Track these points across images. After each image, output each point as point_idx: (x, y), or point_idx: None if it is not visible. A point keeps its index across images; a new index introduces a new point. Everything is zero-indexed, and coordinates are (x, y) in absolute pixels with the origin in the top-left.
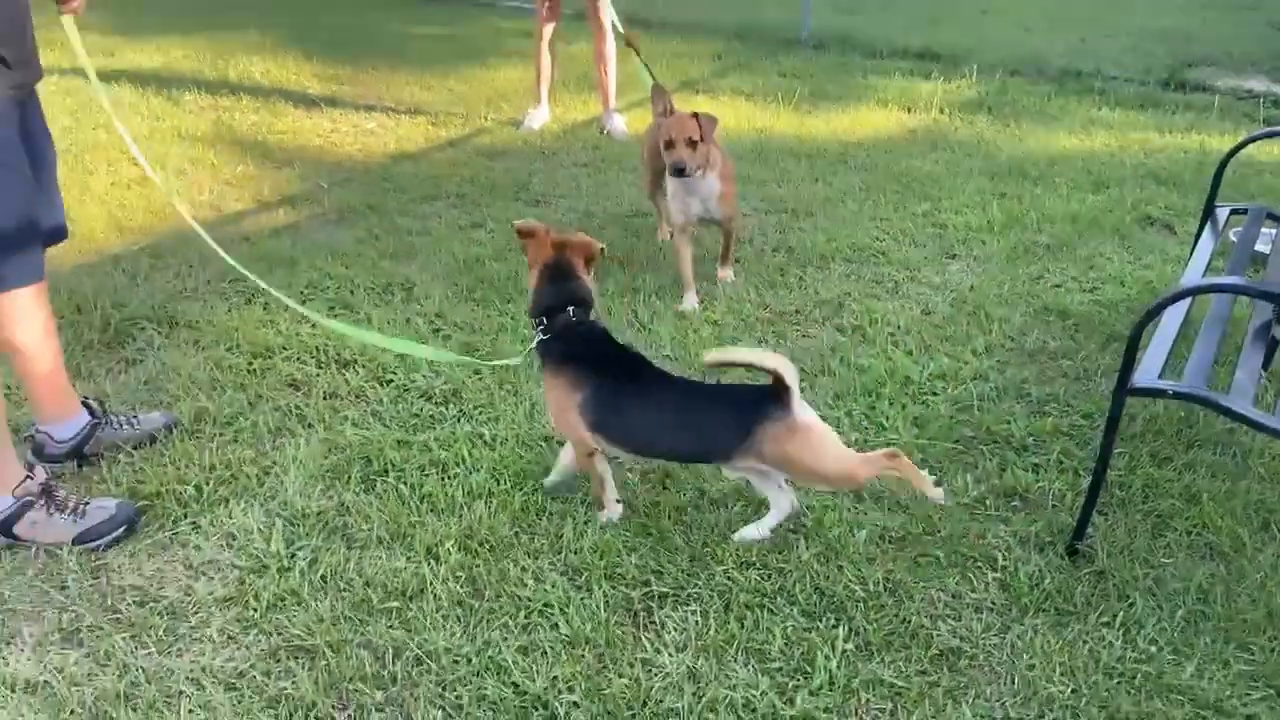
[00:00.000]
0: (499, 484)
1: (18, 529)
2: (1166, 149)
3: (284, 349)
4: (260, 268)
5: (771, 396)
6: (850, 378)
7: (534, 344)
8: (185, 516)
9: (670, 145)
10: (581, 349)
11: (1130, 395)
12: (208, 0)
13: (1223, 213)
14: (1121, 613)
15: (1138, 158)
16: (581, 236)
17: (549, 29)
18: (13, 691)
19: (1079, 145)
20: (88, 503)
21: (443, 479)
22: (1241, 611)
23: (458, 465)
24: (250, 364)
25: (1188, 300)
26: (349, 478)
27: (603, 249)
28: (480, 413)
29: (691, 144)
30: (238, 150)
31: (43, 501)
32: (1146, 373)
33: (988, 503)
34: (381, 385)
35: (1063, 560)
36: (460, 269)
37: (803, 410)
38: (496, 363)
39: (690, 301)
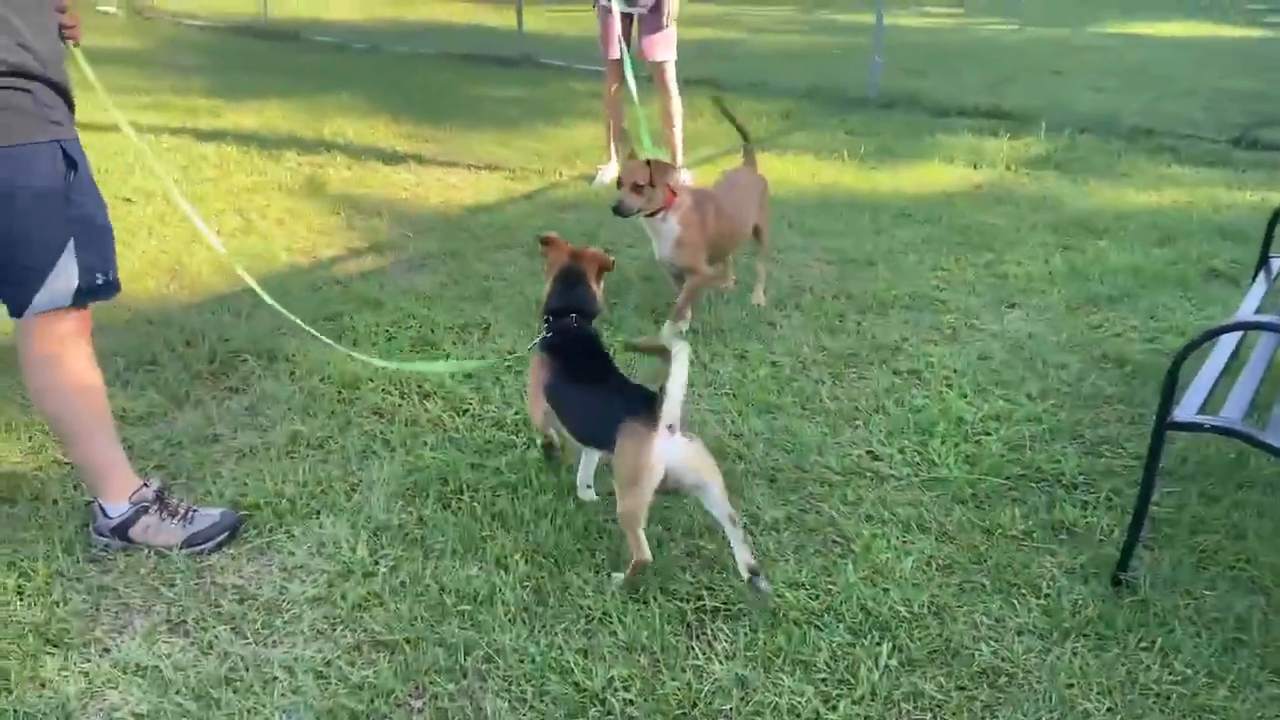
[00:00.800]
0: (563, 505)
1: (132, 532)
2: (1235, 205)
3: (370, 381)
4: (351, 307)
5: (651, 402)
6: (904, 417)
7: (537, 340)
8: (281, 525)
9: (619, 185)
10: (563, 344)
11: (1170, 429)
12: (303, 65)
13: (1276, 262)
14: (1161, 638)
15: (1206, 214)
16: (595, 250)
17: (616, 87)
18: (124, 674)
19: (1147, 201)
20: (195, 510)
21: (512, 499)
22: (1279, 639)
23: (526, 487)
24: (340, 393)
25: (1233, 341)
26: (427, 495)
27: (613, 261)
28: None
29: (636, 188)
30: (331, 203)
31: (156, 508)
32: (1187, 408)
33: (1035, 535)
34: (458, 415)
35: (1106, 590)
36: (532, 310)
37: (664, 423)
38: (509, 359)
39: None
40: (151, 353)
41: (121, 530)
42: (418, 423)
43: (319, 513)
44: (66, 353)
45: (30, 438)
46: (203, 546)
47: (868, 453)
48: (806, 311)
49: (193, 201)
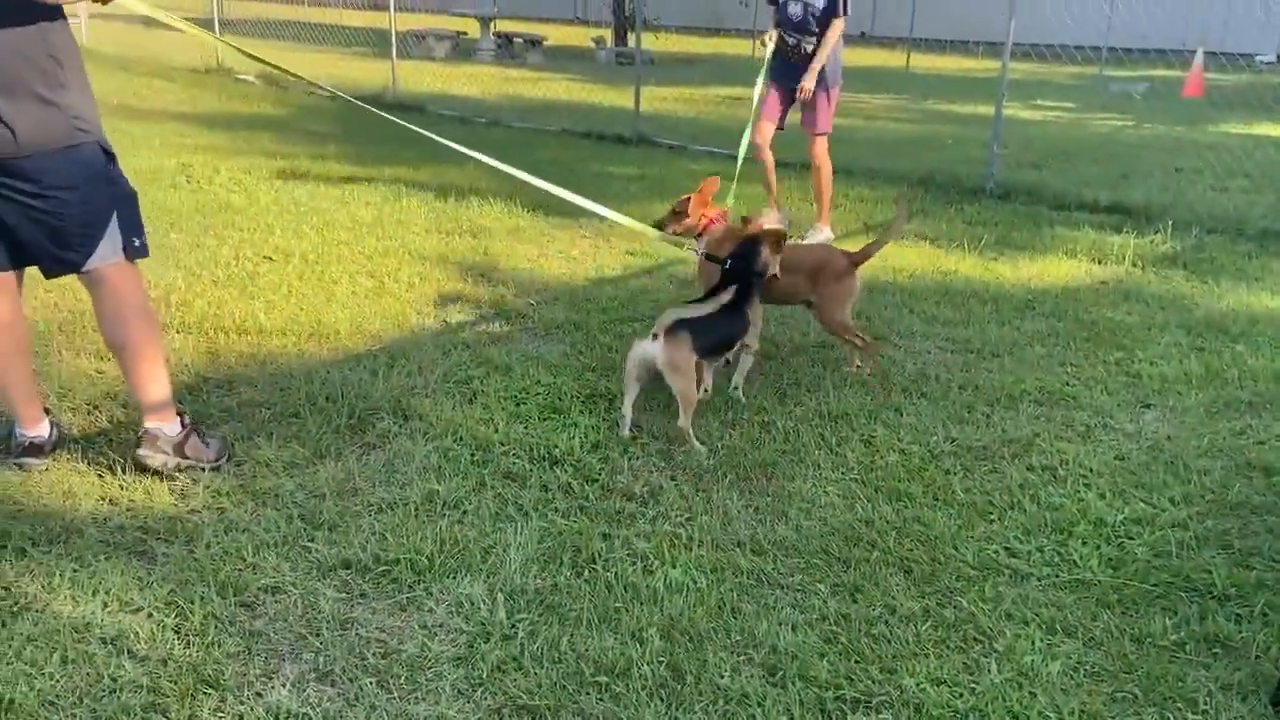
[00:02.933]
0: (695, 582)
1: (188, 449)
2: None
3: (502, 445)
4: (481, 372)
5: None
6: (1041, 515)
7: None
8: (420, 582)
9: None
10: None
11: None
12: (425, 138)
13: None
14: None
15: None
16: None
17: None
18: (276, 719)
19: None
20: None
21: (645, 571)
22: None
23: (657, 559)
24: (473, 455)
25: None
26: (561, 562)
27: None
28: (677, 515)
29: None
30: (459, 269)
31: (195, 431)
32: None
33: (1188, 648)
34: (588, 483)
35: (1266, 710)
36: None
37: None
38: (666, 240)
39: None
40: (295, 406)
41: (179, 448)
42: (549, 489)
43: (457, 572)
44: (130, 292)
45: (181, 486)
46: (219, 462)
47: (1004, 548)
48: (933, 400)
49: (328, 263)
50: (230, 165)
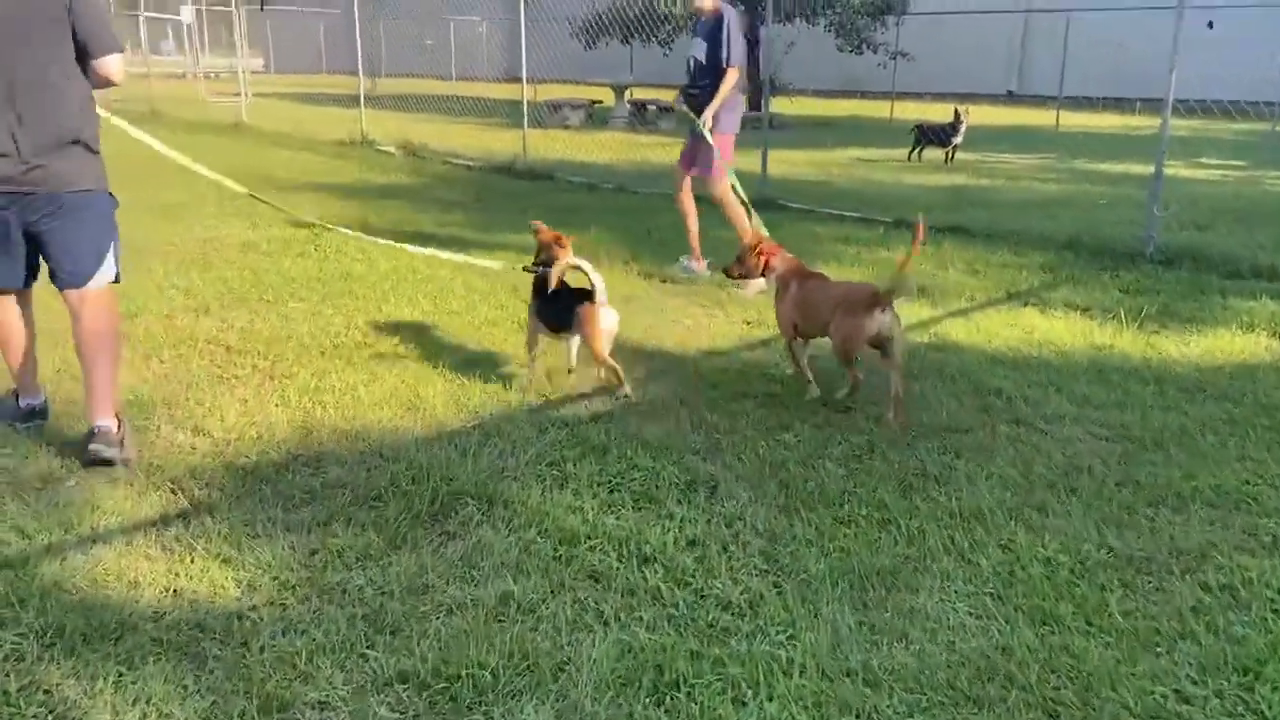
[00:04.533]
0: (797, 717)
1: (125, 442)
2: None
3: (589, 538)
4: (575, 453)
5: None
6: (1220, 648)
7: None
8: (480, 703)
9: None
10: None
11: None
12: (555, 203)
13: None
14: None
15: None
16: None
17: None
18: None
19: None
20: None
21: (735, 702)
22: None
23: (751, 688)
24: (556, 550)
25: None
26: (639, 686)
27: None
28: (778, 631)
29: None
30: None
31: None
32: None
33: None
34: (679, 587)
35: None
36: (765, 472)
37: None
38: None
39: None
40: (378, 488)
41: (121, 442)
42: (635, 593)
43: (522, 693)
44: (112, 311)
45: (248, 578)
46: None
47: (1175, 691)
48: (1084, 498)
49: (438, 332)
50: (358, 233)
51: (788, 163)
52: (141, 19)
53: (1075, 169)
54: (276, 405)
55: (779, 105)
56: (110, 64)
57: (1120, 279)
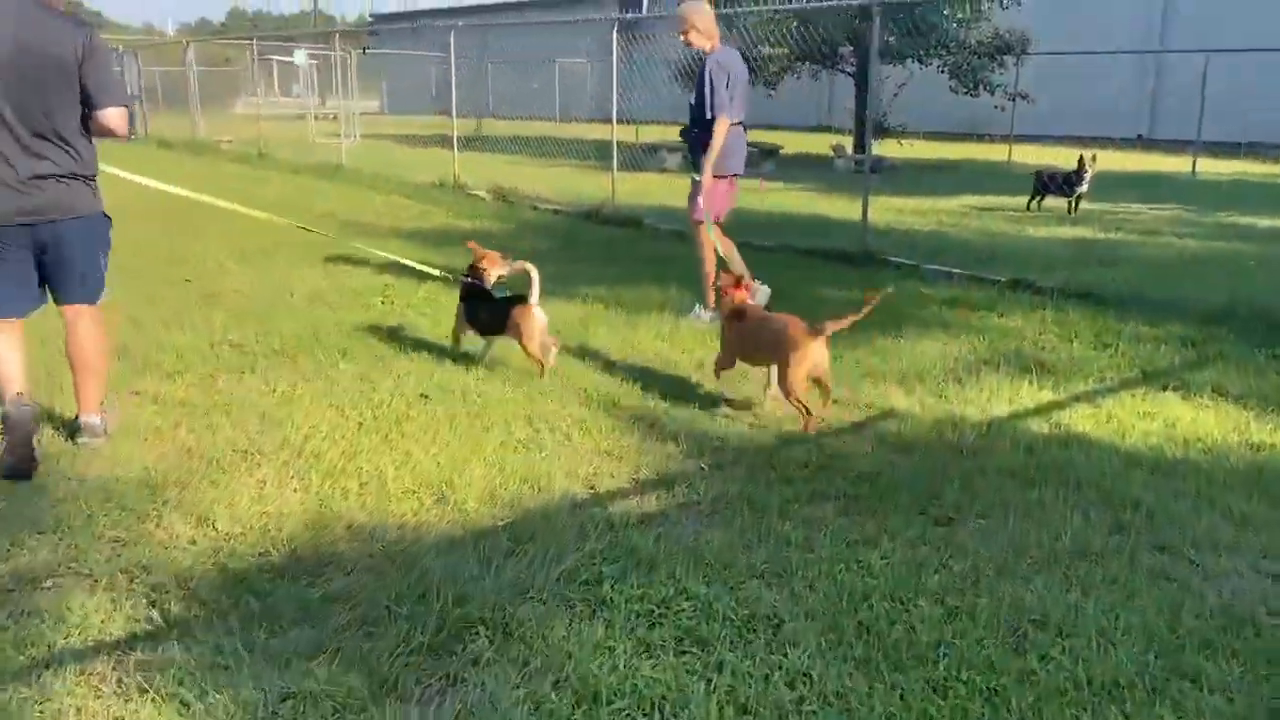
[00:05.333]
0: None
1: (109, 426)
2: None
3: (616, 695)
4: (615, 569)
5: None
6: None
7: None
8: None
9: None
10: None
11: None
12: (640, 253)
13: None
14: None
15: None
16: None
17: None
18: None
19: None
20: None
21: None
22: None
23: None
24: (572, 712)
25: None
26: None
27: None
28: None
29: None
30: (629, 418)
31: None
32: None
33: None
34: None
35: None
36: (842, 606)
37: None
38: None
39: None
40: (381, 606)
41: (105, 430)
42: None
43: None
44: (101, 324)
45: None
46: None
47: None
48: (1250, 662)
49: (489, 404)
50: (429, 285)
51: (893, 210)
52: (275, 62)
53: (1218, 223)
54: (295, 490)
55: (886, 148)
56: (111, 116)
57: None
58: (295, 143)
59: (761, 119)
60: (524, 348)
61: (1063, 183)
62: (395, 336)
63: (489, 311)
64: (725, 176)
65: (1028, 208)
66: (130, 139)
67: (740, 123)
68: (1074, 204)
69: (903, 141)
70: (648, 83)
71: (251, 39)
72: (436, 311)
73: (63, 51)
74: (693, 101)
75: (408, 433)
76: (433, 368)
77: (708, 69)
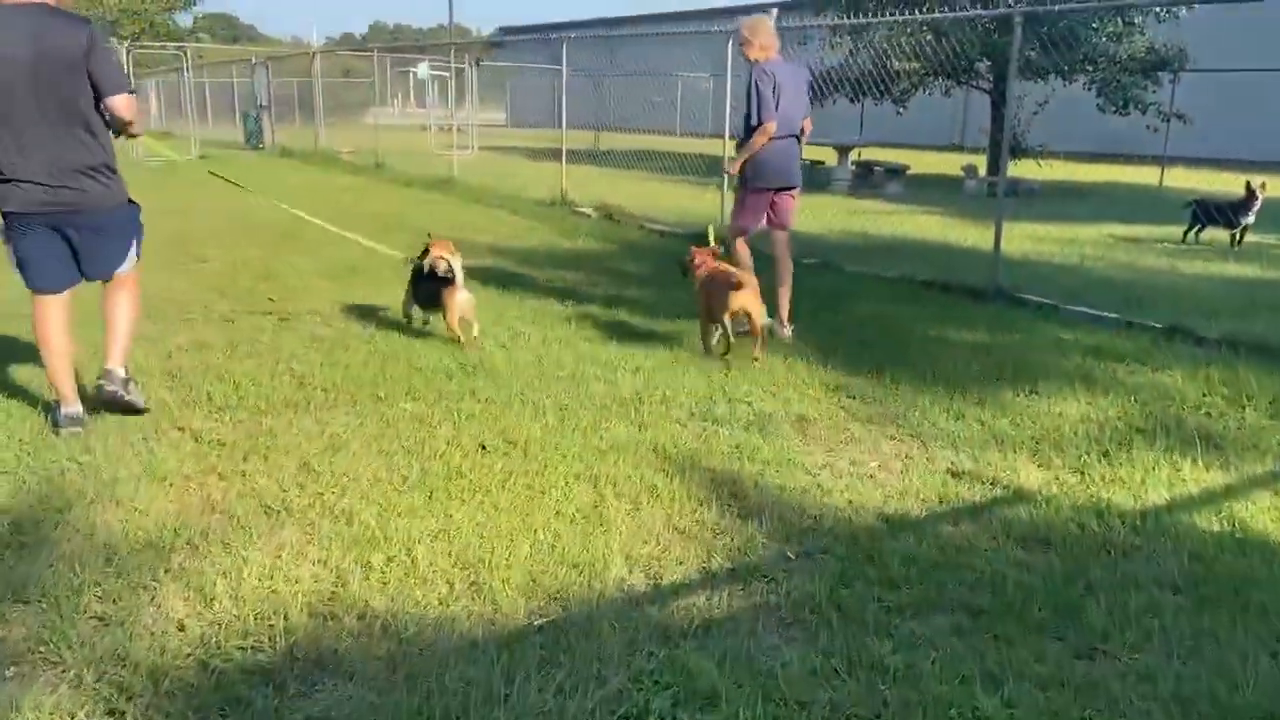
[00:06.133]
0: None
1: (130, 385)
2: None
3: None
4: (667, 698)
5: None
6: None
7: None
8: None
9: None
10: None
11: None
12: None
13: None
14: None
15: None
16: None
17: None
18: None
19: None
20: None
21: None
22: None
23: None
24: None
25: None
26: None
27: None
28: None
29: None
30: (706, 482)
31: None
32: None
33: None
34: None
35: None
36: None
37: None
38: None
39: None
40: None
41: (126, 384)
42: None
43: None
44: (134, 285)
45: None
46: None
47: None
48: None
49: (551, 460)
50: (515, 312)
51: (1030, 238)
52: (406, 74)
53: None
54: (314, 562)
55: (1024, 169)
56: (118, 102)
57: None
58: (413, 154)
59: (889, 137)
60: (446, 322)
61: (1226, 213)
62: (467, 371)
63: (427, 291)
64: (765, 190)
65: (1184, 240)
66: (136, 132)
67: (794, 135)
68: (1238, 237)
69: (1042, 162)
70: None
71: (372, 50)
72: (517, 344)
73: (73, 48)
74: (746, 114)
75: (455, 492)
76: (500, 411)
77: (753, 78)
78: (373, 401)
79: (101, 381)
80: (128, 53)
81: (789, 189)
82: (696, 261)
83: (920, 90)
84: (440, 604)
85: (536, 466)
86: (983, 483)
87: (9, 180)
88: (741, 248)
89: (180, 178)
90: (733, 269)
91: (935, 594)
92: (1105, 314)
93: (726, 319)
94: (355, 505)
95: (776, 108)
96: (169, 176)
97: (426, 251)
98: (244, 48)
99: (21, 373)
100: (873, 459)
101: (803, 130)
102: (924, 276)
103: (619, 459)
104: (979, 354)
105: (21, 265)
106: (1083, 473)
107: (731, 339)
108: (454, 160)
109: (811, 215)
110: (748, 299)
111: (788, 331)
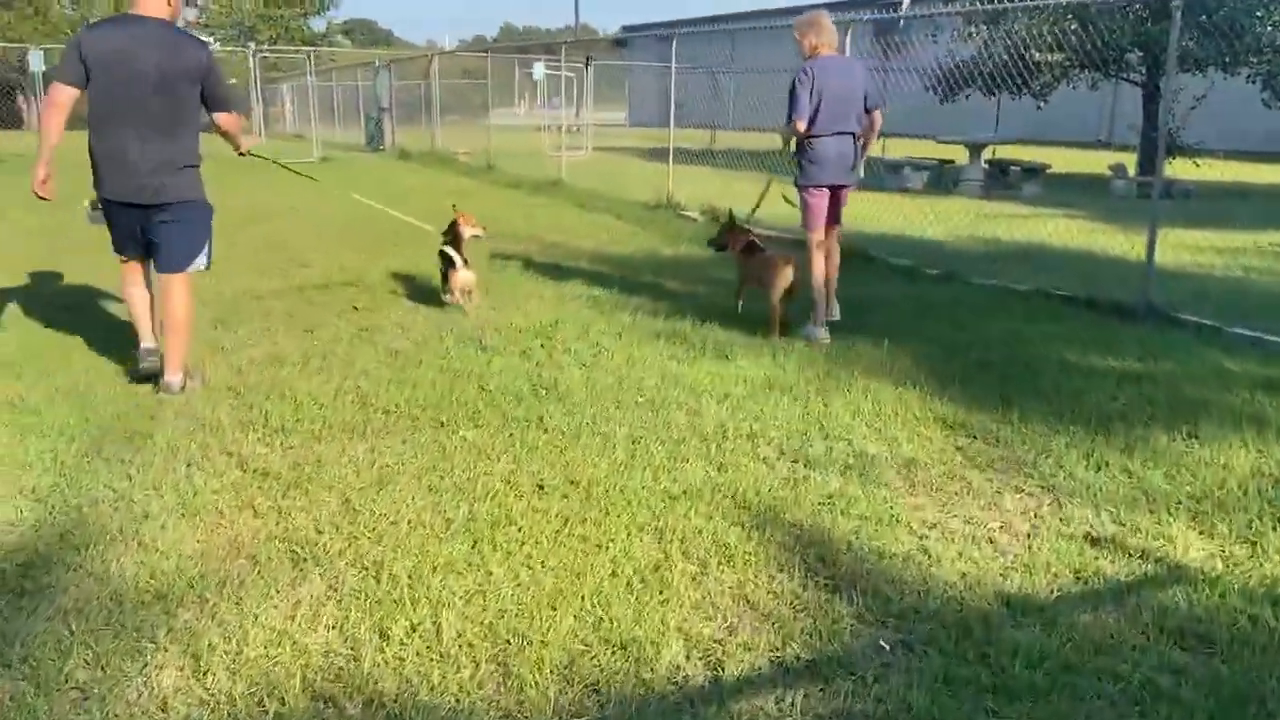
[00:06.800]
0: None
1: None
2: None
3: None
4: None
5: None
6: None
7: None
8: None
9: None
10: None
11: None
12: (851, 298)
13: None
14: None
15: None
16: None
17: None
18: None
19: None
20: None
21: None
22: None
23: None
24: None
25: None
26: None
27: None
28: None
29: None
30: (789, 541)
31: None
32: None
33: None
34: None
35: None
36: None
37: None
38: None
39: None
40: None
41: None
42: None
43: None
44: (191, 293)
45: None
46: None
47: None
48: None
49: (614, 505)
50: (602, 325)
51: (1186, 248)
52: (528, 75)
53: None
54: (328, 627)
55: (1178, 168)
56: (222, 118)
57: None
58: (526, 155)
59: (1029, 134)
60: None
61: None
62: (539, 395)
63: (444, 266)
64: (819, 187)
65: None
66: (244, 152)
67: (847, 133)
68: None
69: (1199, 162)
70: (898, 93)
71: (487, 52)
72: (598, 363)
73: (192, 64)
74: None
75: (501, 542)
76: (566, 444)
77: (795, 77)
78: (433, 428)
79: (161, 395)
80: (253, 56)
81: (842, 187)
82: (732, 242)
83: (1063, 83)
84: (459, 691)
85: (596, 514)
86: (1129, 554)
87: (115, 168)
88: (817, 260)
89: (293, 178)
90: (770, 250)
91: (1066, 709)
92: (1272, 338)
93: (775, 296)
94: (388, 555)
95: (820, 108)
96: (278, 175)
97: (454, 224)
98: (369, 51)
99: (98, 390)
100: (993, 518)
101: (872, 125)
102: (1063, 290)
103: (691, 508)
104: (1126, 386)
105: (111, 230)
106: (1255, 544)
107: (780, 314)
108: (563, 161)
109: (936, 220)
110: (793, 276)
111: (828, 326)
